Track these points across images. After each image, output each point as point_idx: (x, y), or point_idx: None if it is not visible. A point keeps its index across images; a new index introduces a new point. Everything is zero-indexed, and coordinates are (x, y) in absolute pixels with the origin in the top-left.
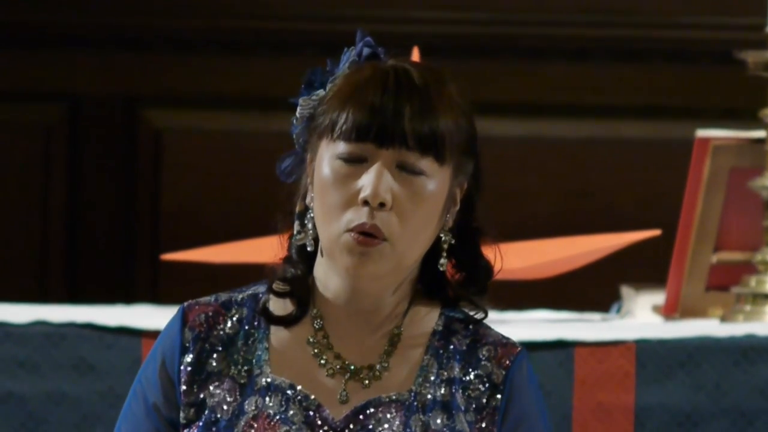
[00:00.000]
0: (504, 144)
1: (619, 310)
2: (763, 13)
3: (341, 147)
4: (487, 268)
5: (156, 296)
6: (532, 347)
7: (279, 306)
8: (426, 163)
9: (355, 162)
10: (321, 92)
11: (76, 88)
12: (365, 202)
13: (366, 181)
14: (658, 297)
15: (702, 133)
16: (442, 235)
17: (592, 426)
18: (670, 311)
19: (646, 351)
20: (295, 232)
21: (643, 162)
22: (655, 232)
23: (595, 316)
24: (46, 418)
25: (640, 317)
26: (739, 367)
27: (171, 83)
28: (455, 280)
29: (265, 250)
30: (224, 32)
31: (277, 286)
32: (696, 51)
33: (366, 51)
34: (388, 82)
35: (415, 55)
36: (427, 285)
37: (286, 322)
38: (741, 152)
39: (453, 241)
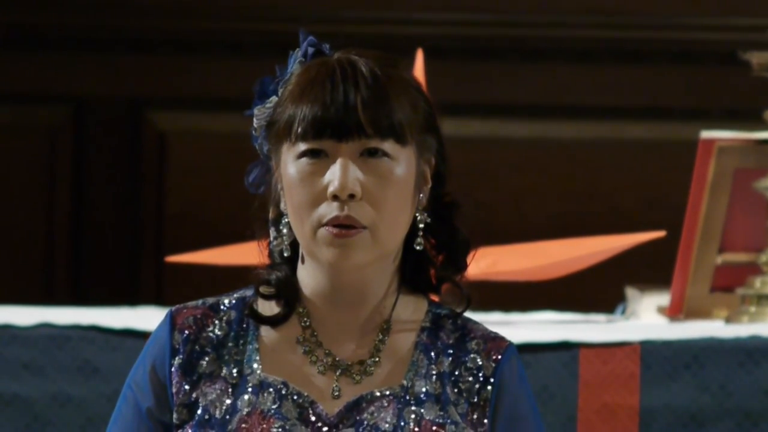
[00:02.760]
0: (509, 145)
1: (623, 312)
2: (767, 14)
3: (301, 147)
4: (465, 242)
5: (161, 298)
6: (537, 348)
7: (266, 308)
8: (388, 146)
9: (319, 157)
10: (274, 98)
11: (81, 91)
12: (335, 197)
13: (332, 176)
14: (663, 298)
15: (706, 134)
16: (417, 214)
17: (597, 427)
18: (674, 312)
19: (651, 352)
20: (272, 239)
21: (648, 163)
22: (660, 234)
23: (600, 317)
24: (51, 420)
25: (645, 318)
26: (744, 368)
27: (175, 85)
28: (437, 262)
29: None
30: (229, 34)
31: (264, 289)
32: (701, 52)
33: (311, 50)
34: (335, 75)
35: (419, 58)
36: (411, 272)
37: (273, 322)
38: (746, 153)
39: (429, 220)
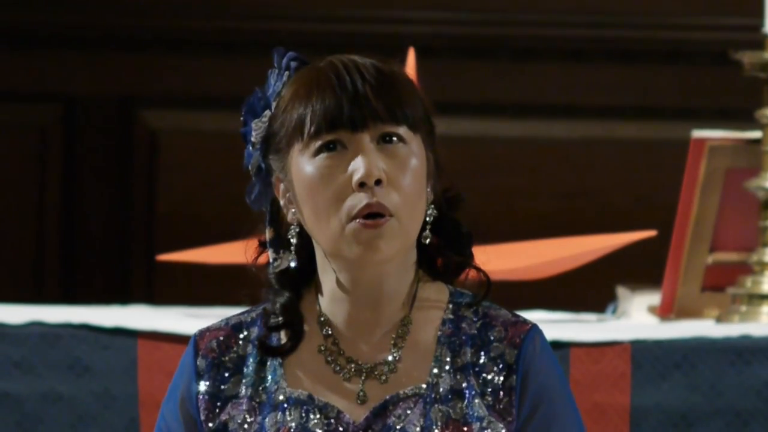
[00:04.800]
0: (499, 144)
1: (614, 311)
2: (759, 13)
3: (317, 143)
4: (468, 235)
5: (151, 297)
6: None
7: (279, 333)
8: (403, 131)
9: (336, 151)
10: (268, 112)
11: (71, 89)
12: (361, 185)
13: (356, 165)
14: (654, 297)
15: (698, 133)
16: (427, 209)
17: (588, 427)
18: (665, 312)
19: (641, 352)
20: (271, 260)
21: (639, 162)
22: (651, 233)
23: (591, 316)
24: (42, 419)
25: (636, 318)
26: (735, 367)
27: (166, 83)
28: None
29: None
30: (220, 32)
31: (273, 320)
32: (692, 51)
33: (294, 64)
34: (339, 70)
35: (411, 57)
36: (427, 266)
37: (282, 353)
38: (737, 153)
39: (436, 213)
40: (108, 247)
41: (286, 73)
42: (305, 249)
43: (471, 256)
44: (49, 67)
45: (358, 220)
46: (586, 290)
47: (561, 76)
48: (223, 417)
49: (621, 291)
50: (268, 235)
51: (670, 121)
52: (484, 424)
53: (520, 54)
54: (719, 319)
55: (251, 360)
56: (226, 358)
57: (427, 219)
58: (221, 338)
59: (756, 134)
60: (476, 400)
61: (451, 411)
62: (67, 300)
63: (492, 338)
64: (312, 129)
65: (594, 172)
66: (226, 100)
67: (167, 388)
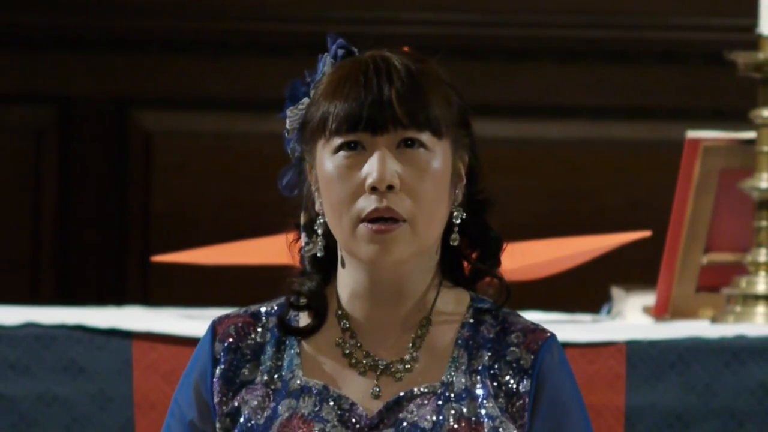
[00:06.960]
0: (494, 145)
1: (609, 311)
2: (753, 14)
3: (337, 141)
4: (497, 238)
5: (146, 298)
6: None
7: (301, 317)
8: (425, 137)
9: (355, 151)
10: (306, 100)
11: (67, 90)
12: (373, 189)
13: (370, 168)
14: (649, 298)
15: (692, 134)
16: (454, 210)
17: None
18: (660, 312)
19: (636, 352)
20: (303, 244)
21: (634, 163)
22: (646, 233)
23: (586, 317)
24: (37, 420)
25: (631, 318)
26: (730, 368)
27: (162, 85)
28: (471, 259)
29: (255, 251)
30: (215, 34)
31: (296, 300)
32: (686, 52)
33: (341, 52)
34: (368, 70)
35: None
36: (450, 268)
37: (303, 333)
38: (731, 153)
39: (464, 216)
40: (103, 248)
41: (331, 61)
42: (332, 240)
43: (497, 262)
44: (45, 69)
45: (365, 224)
46: (581, 291)
47: (556, 77)
48: (237, 401)
49: (616, 291)
50: (302, 219)
51: (664, 121)
52: (496, 424)
53: (514, 55)
54: (714, 320)
55: (269, 348)
56: (244, 344)
57: (454, 221)
58: (240, 324)
59: (750, 134)
60: (490, 401)
61: (464, 409)
62: (62, 301)
63: (509, 343)
64: (333, 127)
65: (589, 173)
66: (221, 101)
67: (162, 389)
